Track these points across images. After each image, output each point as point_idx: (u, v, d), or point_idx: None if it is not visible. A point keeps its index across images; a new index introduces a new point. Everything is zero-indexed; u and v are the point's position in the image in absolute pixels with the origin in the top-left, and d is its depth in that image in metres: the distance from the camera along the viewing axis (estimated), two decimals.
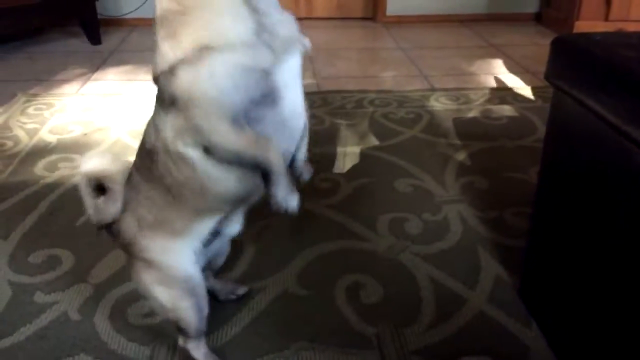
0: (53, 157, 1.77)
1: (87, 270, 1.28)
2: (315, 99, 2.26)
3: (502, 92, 2.36)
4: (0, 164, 1.71)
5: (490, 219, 1.49)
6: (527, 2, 3.52)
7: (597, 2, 3.07)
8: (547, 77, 1.09)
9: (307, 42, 0.92)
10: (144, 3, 3.24)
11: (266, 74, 0.86)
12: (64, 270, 1.29)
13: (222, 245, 1.13)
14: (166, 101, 0.89)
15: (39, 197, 1.55)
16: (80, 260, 1.31)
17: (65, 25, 2.99)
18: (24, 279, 1.26)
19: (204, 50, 0.83)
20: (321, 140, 1.91)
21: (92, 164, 1.02)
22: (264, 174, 0.89)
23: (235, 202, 0.97)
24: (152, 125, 0.94)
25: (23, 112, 2.08)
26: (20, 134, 1.92)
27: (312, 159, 1.02)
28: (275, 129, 0.89)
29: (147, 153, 0.95)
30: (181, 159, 0.90)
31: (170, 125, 0.90)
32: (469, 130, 2.01)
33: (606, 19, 3.10)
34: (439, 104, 2.23)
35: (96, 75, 2.51)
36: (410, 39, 3.16)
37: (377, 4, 3.45)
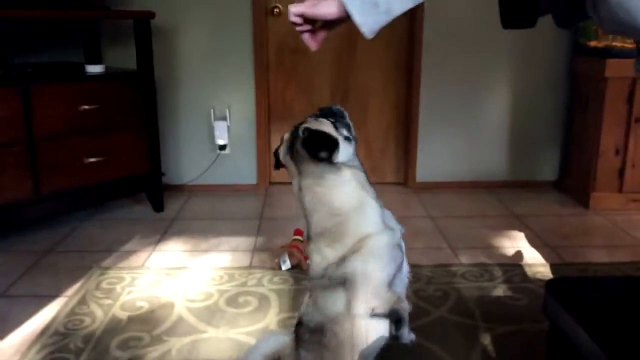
0: (125, 335, 2.04)
1: None
2: None
3: (523, 269, 2.58)
4: (81, 342, 1.99)
5: None
6: (547, 170, 3.84)
7: (611, 175, 3.37)
8: (544, 312, 1.33)
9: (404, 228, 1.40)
10: (204, 172, 3.68)
11: (400, 249, 1.30)
12: None
13: None
14: (334, 284, 1.26)
15: None
16: None
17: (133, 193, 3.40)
18: None
19: (363, 240, 1.24)
20: None
21: (268, 347, 1.32)
22: (396, 320, 1.25)
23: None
24: (312, 307, 1.30)
25: (98, 286, 2.39)
26: (96, 310, 2.21)
27: None
28: (400, 284, 1.32)
29: (315, 329, 1.28)
30: (352, 325, 1.24)
31: (340, 299, 1.25)
32: (492, 311, 2.21)
33: (620, 190, 3.37)
34: (465, 280, 2.46)
35: (160, 245, 2.85)
36: (439, 205, 3.48)
37: (407, 170, 3.82)
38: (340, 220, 1.25)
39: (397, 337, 1.27)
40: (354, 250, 1.24)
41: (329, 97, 3.75)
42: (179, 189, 3.68)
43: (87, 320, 2.14)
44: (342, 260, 1.24)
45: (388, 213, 1.35)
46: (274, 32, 3.63)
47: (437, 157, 3.80)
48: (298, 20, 1.04)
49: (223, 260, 2.68)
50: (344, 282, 1.24)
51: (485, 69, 3.70)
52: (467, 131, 3.77)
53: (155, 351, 1.94)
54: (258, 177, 3.73)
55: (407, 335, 1.29)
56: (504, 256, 2.75)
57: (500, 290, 2.38)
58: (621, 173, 3.36)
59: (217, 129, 3.63)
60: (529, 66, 3.70)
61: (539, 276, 2.51)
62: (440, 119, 3.74)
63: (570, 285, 1.35)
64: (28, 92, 2.69)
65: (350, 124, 1.37)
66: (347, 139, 1.32)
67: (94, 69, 3.06)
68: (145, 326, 2.10)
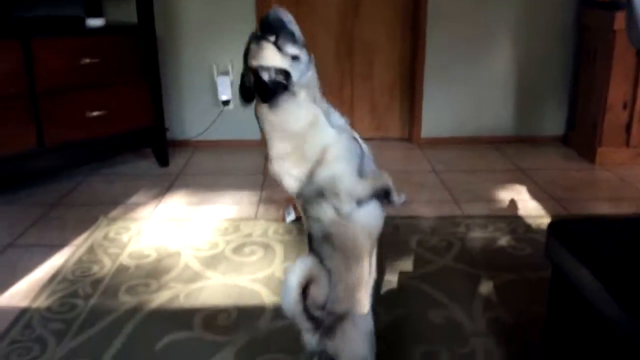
0: (133, 282, 2.07)
1: None
2: None
3: (527, 220, 2.59)
4: (89, 288, 2.02)
5: (512, 353, 1.69)
6: (553, 125, 3.81)
7: (618, 129, 3.34)
8: (546, 255, 1.34)
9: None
10: (207, 128, 3.67)
11: (356, 140, 1.36)
12: None
13: None
14: (315, 197, 1.32)
15: (123, 321, 1.83)
16: None
17: (138, 148, 3.41)
18: None
19: (323, 150, 1.29)
20: None
21: (299, 274, 1.34)
22: (385, 193, 1.36)
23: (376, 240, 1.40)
24: (312, 220, 1.36)
25: (105, 236, 2.42)
26: (104, 258, 2.24)
27: None
28: (368, 163, 1.39)
29: (325, 237, 1.34)
30: (349, 221, 1.30)
31: (327, 207, 1.31)
32: (495, 261, 2.23)
33: (627, 145, 3.35)
34: (469, 231, 2.47)
35: (166, 198, 2.87)
36: (444, 160, 3.47)
37: (412, 126, 3.80)
38: (298, 141, 1.29)
39: (391, 204, 1.38)
40: (318, 162, 1.29)
41: (334, 51, 3.71)
42: (183, 144, 3.68)
43: (95, 267, 2.17)
44: (311, 175, 1.30)
45: (335, 114, 1.37)
46: None
47: (442, 112, 3.77)
48: None
49: (228, 212, 2.70)
50: (322, 193, 1.30)
51: (492, 22, 3.63)
52: (473, 86, 3.73)
53: (162, 296, 1.97)
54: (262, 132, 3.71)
55: (399, 199, 1.39)
56: (508, 208, 2.75)
57: (503, 241, 2.40)
58: (628, 127, 3.33)
59: (220, 84, 3.60)
60: (535, 19, 3.63)
61: (542, 227, 2.51)
62: (446, 74, 3.69)
63: (573, 226, 1.35)
64: (29, 45, 2.67)
65: (295, 29, 1.30)
66: (294, 58, 1.29)
67: (95, 22, 3.02)
68: (153, 273, 2.13)
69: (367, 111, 3.84)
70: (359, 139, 1.41)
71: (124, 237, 2.41)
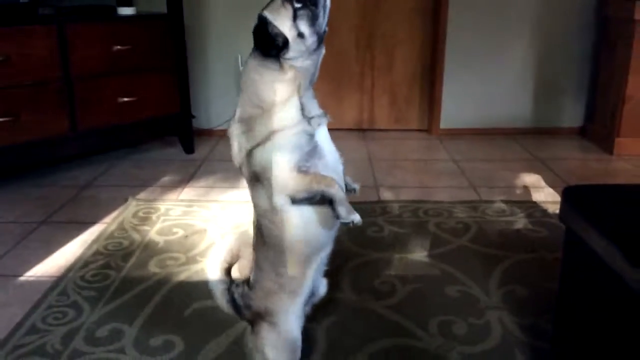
0: (162, 255, 2.17)
1: (197, 352, 1.62)
2: (376, 207, 2.61)
3: (544, 206, 2.63)
4: (120, 261, 2.12)
5: (527, 324, 1.75)
6: (571, 117, 3.84)
7: (637, 120, 3.36)
8: (560, 218, 1.40)
9: (328, 116, 1.33)
10: (232, 118, 3.75)
11: (311, 136, 1.26)
12: (178, 352, 1.63)
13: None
14: (252, 179, 1.29)
15: (154, 291, 1.93)
16: (189, 345, 1.66)
17: (164, 136, 3.53)
18: None
19: (270, 134, 1.24)
20: (381, 246, 2.23)
21: (224, 248, 1.43)
22: (330, 202, 1.24)
23: (321, 247, 1.34)
24: (252, 205, 1.33)
25: (135, 215, 2.53)
26: (134, 234, 2.34)
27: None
28: (325, 170, 1.28)
29: (258, 229, 1.34)
30: (278, 216, 1.26)
31: (262, 194, 1.28)
32: (512, 242, 2.28)
33: None
34: (486, 215, 2.53)
35: (191, 182, 2.98)
36: (462, 151, 3.52)
37: (432, 117, 3.86)
38: (260, 112, 1.25)
39: (338, 218, 1.26)
40: (260, 144, 1.25)
41: (354, 43, 3.78)
42: (208, 133, 3.79)
43: (126, 242, 2.27)
44: (250, 155, 1.26)
45: (314, 103, 1.31)
46: None
47: (462, 104, 3.82)
48: None
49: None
50: (257, 177, 1.27)
51: (512, 14, 3.67)
52: (493, 78, 3.77)
53: (190, 269, 2.07)
54: None
55: (347, 215, 1.23)
56: (525, 195, 2.80)
57: (520, 224, 2.45)
58: None
59: None
60: (556, 10, 3.66)
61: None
62: (466, 66, 3.74)
63: (587, 191, 1.40)
64: (64, 30, 2.79)
65: (322, 16, 1.25)
66: (300, 35, 1.23)
67: (126, 11, 3.15)
68: (181, 248, 2.23)
69: (386, 103, 3.91)
70: (329, 144, 1.33)
71: (153, 217, 2.52)
